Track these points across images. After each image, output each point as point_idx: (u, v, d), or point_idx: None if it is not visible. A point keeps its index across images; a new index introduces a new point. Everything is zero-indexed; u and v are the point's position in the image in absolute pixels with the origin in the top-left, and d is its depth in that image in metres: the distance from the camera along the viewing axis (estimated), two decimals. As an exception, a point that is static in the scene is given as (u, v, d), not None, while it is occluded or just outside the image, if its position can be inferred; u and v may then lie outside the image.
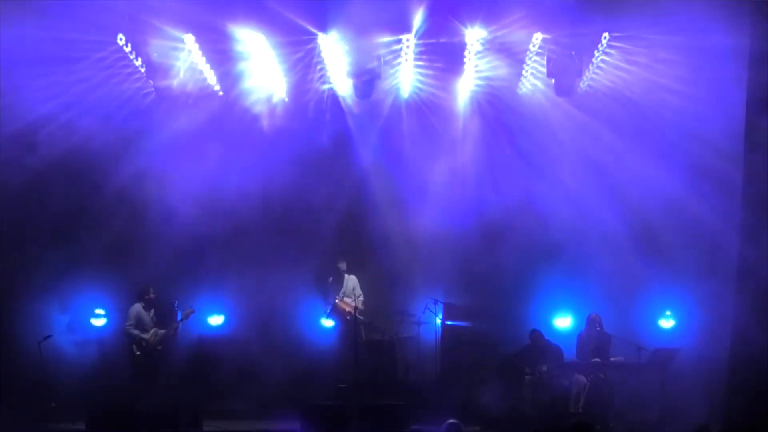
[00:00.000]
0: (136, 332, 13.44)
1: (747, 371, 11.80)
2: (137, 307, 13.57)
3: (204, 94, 14.26)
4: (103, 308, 14.50)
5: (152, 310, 13.68)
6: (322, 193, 14.92)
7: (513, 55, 13.46)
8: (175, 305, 14.11)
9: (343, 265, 14.23)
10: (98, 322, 14.50)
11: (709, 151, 13.34)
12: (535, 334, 13.44)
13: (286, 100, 14.49)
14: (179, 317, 13.82)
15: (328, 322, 14.44)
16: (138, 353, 13.41)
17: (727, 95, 12.74)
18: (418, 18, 12.59)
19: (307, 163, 14.91)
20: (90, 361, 14.16)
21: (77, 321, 14.36)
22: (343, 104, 14.71)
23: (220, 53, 13.33)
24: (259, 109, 14.45)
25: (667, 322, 14.34)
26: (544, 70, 13.37)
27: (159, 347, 13.57)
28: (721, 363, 12.54)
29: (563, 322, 14.55)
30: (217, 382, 14.24)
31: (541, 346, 13.35)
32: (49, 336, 13.20)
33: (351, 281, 14.24)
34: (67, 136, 13.84)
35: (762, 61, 11.82)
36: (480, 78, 14.07)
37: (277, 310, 14.71)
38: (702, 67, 12.88)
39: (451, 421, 8.63)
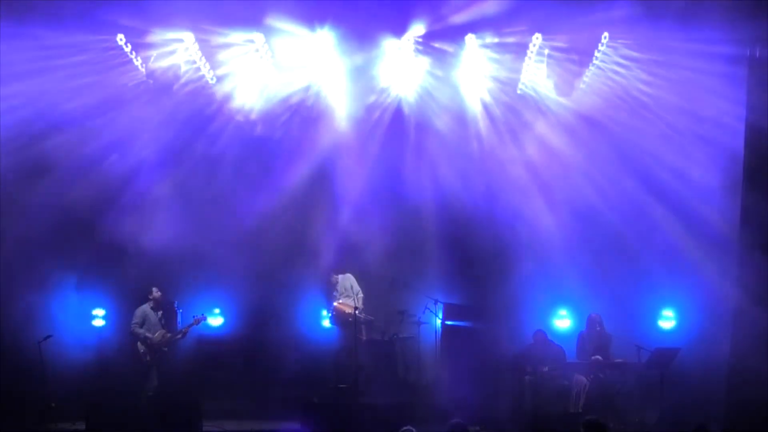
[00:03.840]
0: (141, 331, 13.53)
1: (747, 372, 11.81)
2: (144, 307, 13.69)
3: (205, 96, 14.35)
4: (103, 308, 14.52)
5: (160, 312, 13.75)
6: (322, 194, 14.93)
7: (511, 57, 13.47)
8: (176, 305, 14.16)
9: (336, 277, 14.20)
10: (98, 322, 14.51)
11: (709, 151, 13.39)
12: (539, 335, 13.46)
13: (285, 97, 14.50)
14: (180, 318, 13.84)
15: (327, 322, 14.46)
16: (142, 351, 13.47)
17: (728, 98, 12.77)
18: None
19: (306, 165, 14.94)
20: (90, 361, 14.16)
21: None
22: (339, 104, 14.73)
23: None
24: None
25: (666, 323, 14.35)
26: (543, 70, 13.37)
27: (165, 348, 13.62)
28: (721, 363, 12.54)
29: (563, 322, 14.56)
30: (217, 381, 14.24)
31: (544, 346, 13.37)
32: (49, 336, 13.20)
33: (348, 280, 14.18)
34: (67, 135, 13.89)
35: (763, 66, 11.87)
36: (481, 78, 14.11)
37: (277, 310, 14.71)
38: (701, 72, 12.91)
39: (456, 420, 8.63)
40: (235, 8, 12.42)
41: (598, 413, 12.11)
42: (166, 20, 12.54)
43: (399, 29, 13.00)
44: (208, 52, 13.29)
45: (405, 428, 8.32)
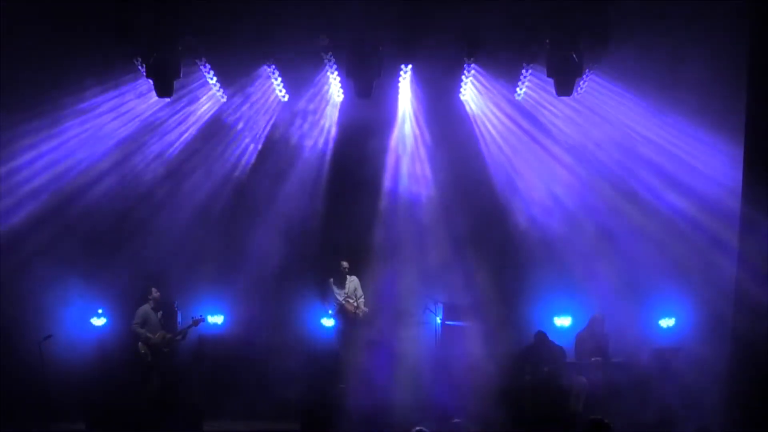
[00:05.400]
0: (142, 331, 13.57)
1: (747, 371, 11.80)
2: (145, 308, 13.74)
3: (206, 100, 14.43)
4: (103, 308, 14.50)
5: (160, 312, 13.77)
6: (322, 195, 14.95)
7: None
8: (175, 305, 14.18)
9: (345, 264, 14.24)
10: (98, 322, 14.49)
11: (710, 150, 13.42)
12: (540, 336, 13.46)
13: (285, 99, 14.53)
14: (179, 318, 13.85)
15: (328, 322, 14.45)
16: (143, 351, 13.50)
17: (727, 96, 12.78)
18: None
19: (306, 165, 14.96)
20: (90, 361, 14.15)
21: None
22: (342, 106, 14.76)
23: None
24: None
25: (667, 322, 14.36)
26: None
27: (165, 349, 13.64)
28: (721, 363, 12.54)
29: (563, 321, 14.56)
30: (217, 382, 14.24)
31: (544, 346, 13.37)
32: (49, 336, 13.20)
33: (353, 282, 14.24)
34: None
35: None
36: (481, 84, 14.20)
37: (277, 310, 14.72)
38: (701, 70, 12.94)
39: (456, 420, 8.63)
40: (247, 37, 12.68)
41: (599, 413, 12.12)
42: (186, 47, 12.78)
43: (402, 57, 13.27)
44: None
45: (417, 428, 8.30)
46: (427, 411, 12.64)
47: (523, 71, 13.56)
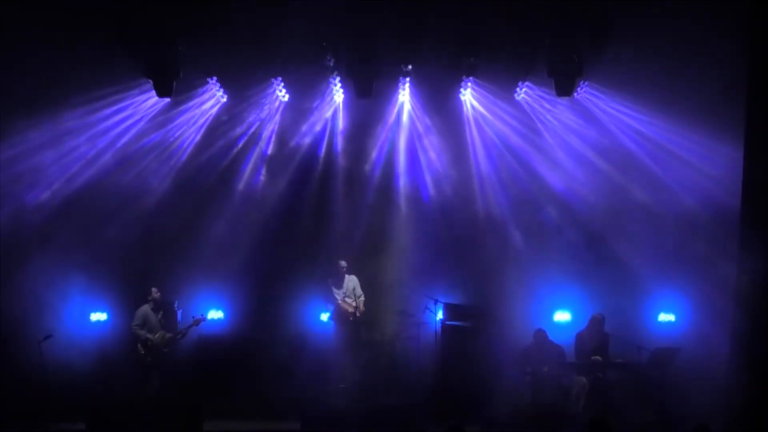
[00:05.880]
0: (141, 332, 13.56)
1: (747, 371, 11.80)
2: (145, 308, 13.70)
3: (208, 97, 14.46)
4: (103, 308, 14.50)
5: (161, 312, 13.77)
6: (321, 194, 14.96)
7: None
8: (175, 305, 14.18)
9: (343, 264, 14.25)
10: (98, 316, 14.48)
11: (710, 149, 13.43)
12: (540, 334, 13.48)
13: (285, 99, 14.54)
14: (179, 318, 13.85)
15: (328, 321, 14.47)
16: (142, 353, 13.50)
17: (727, 95, 12.78)
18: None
19: (305, 164, 14.97)
20: (90, 360, 14.15)
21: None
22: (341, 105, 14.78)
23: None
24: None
25: (666, 320, 14.36)
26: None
27: (165, 349, 13.64)
28: (721, 363, 12.55)
29: (563, 316, 14.58)
30: (218, 381, 14.24)
31: (544, 345, 13.39)
32: (49, 336, 13.20)
33: (351, 282, 14.23)
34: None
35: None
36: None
37: (277, 310, 14.72)
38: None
39: (453, 422, 8.65)
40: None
41: (598, 413, 12.14)
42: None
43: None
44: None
45: (417, 429, 8.30)
46: (427, 411, 12.65)
47: (524, 71, 13.59)
